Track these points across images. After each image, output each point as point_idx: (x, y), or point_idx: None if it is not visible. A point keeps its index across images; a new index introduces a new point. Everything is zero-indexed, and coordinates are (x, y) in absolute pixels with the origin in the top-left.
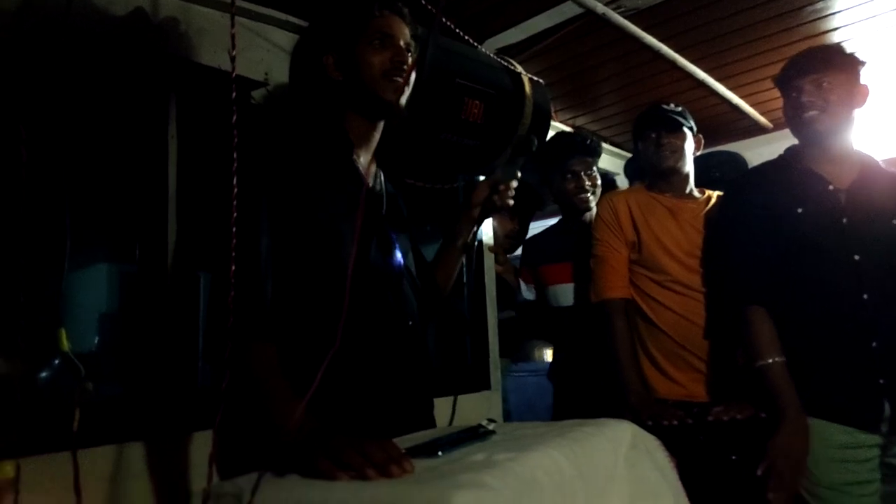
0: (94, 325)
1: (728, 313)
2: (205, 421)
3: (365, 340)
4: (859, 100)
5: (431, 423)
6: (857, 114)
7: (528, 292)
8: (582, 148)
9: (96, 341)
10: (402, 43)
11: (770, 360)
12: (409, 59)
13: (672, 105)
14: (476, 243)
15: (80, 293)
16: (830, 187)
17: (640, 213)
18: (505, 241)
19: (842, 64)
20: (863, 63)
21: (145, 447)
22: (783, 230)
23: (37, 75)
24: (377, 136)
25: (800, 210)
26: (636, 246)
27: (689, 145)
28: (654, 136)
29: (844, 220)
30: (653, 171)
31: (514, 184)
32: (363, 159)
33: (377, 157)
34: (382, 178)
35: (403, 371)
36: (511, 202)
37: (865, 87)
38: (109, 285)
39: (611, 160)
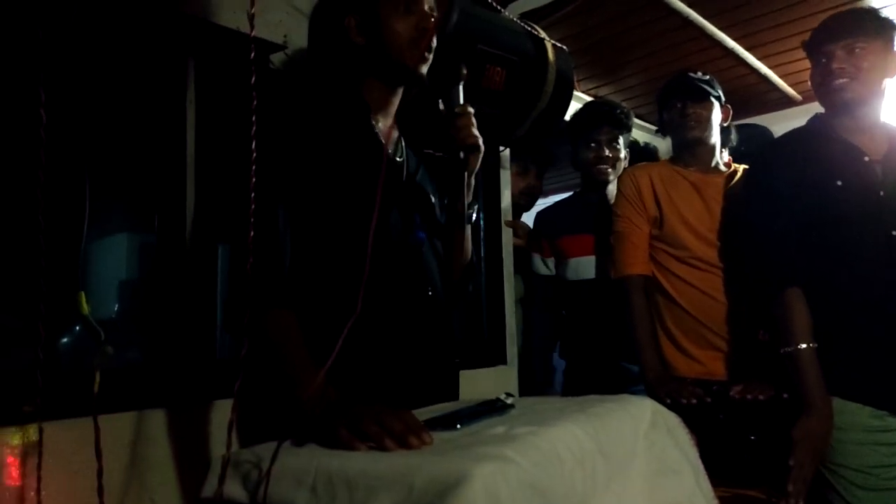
0: (113, 292)
1: (761, 294)
2: (224, 390)
3: (384, 309)
4: (893, 68)
5: (455, 395)
6: (889, 83)
7: (543, 266)
8: (609, 118)
9: (116, 308)
10: (426, 7)
11: (803, 346)
12: (435, 23)
13: (699, 73)
14: (473, 211)
15: (98, 261)
16: (866, 158)
17: (662, 187)
18: (521, 198)
19: (876, 29)
20: None
21: (165, 414)
22: (820, 203)
23: (54, 37)
24: (396, 101)
25: (839, 182)
26: (658, 221)
27: (716, 116)
28: (679, 105)
29: (882, 193)
30: (678, 142)
31: (470, 110)
32: (382, 124)
33: (398, 123)
34: (404, 145)
35: (423, 340)
36: (475, 133)
37: None
38: (128, 253)
39: (634, 132)
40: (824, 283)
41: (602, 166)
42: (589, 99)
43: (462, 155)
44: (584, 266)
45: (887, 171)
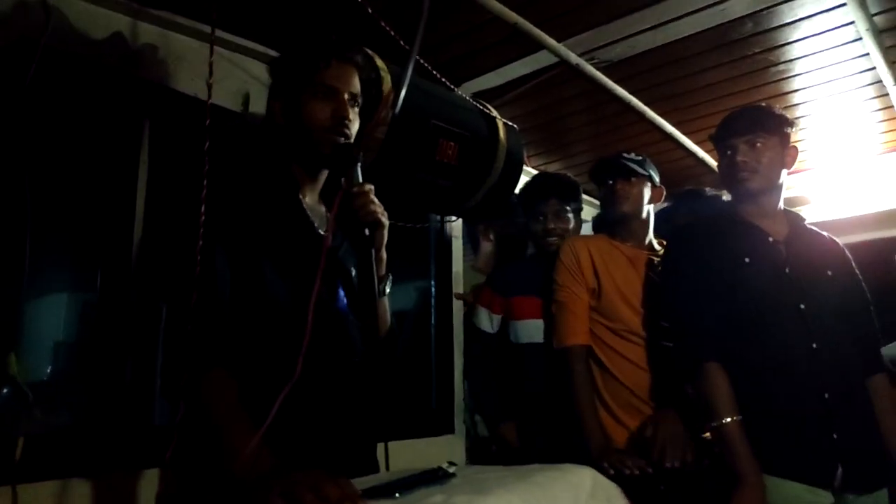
0: (48, 352)
1: (682, 369)
2: (156, 458)
3: (311, 377)
4: (789, 161)
5: (374, 465)
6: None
7: (487, 321)
8: (556, 190)
9: (49, 370)
10: (346, 96)
11: (727, 420)
12: (354, 111)
13: (633, 154)
14: (385, 285)
15: (36, 319)
16: (770, 239)
17: (601, 259)
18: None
19: (774, 126)
20: (793, 125)
21: (91, 484)
22: (731, 280)
23: (7, 94)
24: (322, 178)
25: (747, 259)
26: (596, 293)
27: (646, 193)
28: (609, 182)
29: (787, 270)
30: (611, 217)
31: (370, 187)
32: (309, 199)
33: (324, 199)
34: (328, 217)
35: (347, 409)
36: (375, 209)
37: (795, 148)
38: (68, 312)
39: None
40: (742, 358)
41: (550, 238)
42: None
43: (367, 231)
44: (533, 328)
45: (790, 250)
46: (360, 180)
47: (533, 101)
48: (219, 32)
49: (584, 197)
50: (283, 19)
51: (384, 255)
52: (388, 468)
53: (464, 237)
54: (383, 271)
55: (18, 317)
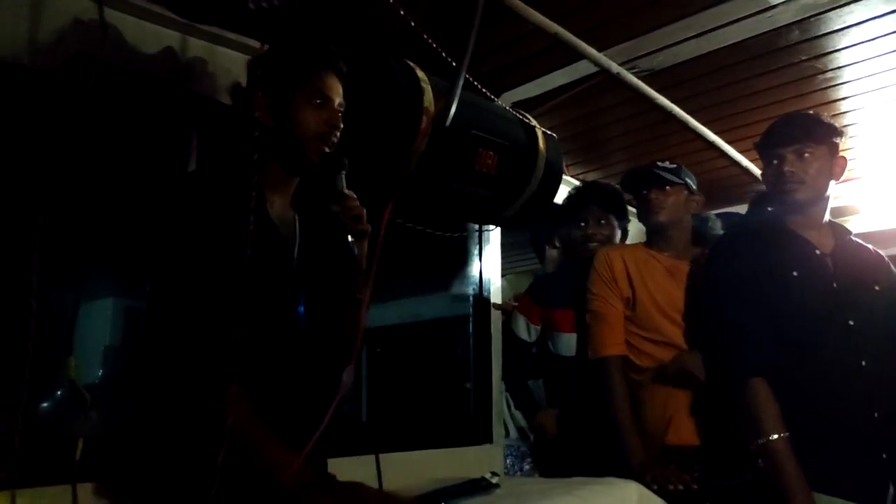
0: (98, 357)
1: (727, 385)
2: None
3: (269, 387)
4: (837, 172)
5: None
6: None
7: (525, 330)
8: (596, 197)
9: (100, 374)
10: (337, 104)
11: (774, 437)
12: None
13: (666, 162)
14: (362, 295)
15: (88, 324)
16: (818, 252)
17: (636, 269)
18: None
19: (823, 135)
20: (841, 134)
21: (145, 486)
22: (778, 293)
23: (68, 107)
24: (294, 184)
25: (795, 273)
26: (630, 302)
27: (681, 201)
28: (643, 192)
29: (835, 285)
30: (648, 228)
31: (353, 195)
32: (277, 206)
33: (294, 204)
34: (298, 226)
35: (301, 413)
36: (360, 216)
37: (843, 159)
38: (116, 319)
39: None
40: (789, 374)
41: (590, 244)
42: (577, 183)
43: (350, 239)
44: (567, 342)
45: (837, 263)
46: (345, 188)
47: (573, 111)
48: (265, 47)
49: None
50: (327, 32)
51: (364, 264)
52: (380, 483)
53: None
54: (363, 281)
55: (75, 321)
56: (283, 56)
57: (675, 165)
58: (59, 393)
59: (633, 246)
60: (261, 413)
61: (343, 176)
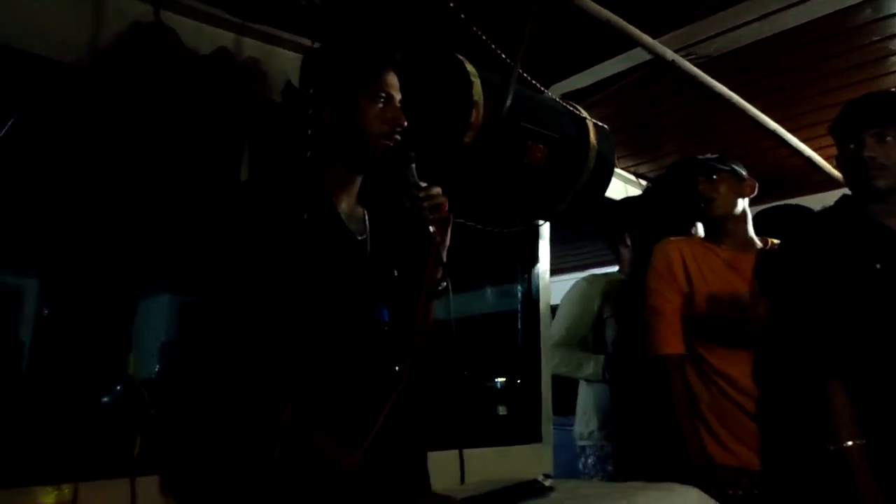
0: (156, 353)
1: (802, 386)
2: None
3: (351, 387)
4: None
5: (423, 477)
6: None
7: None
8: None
9: (157, 370)
10: (398, 101)
11: (849, 443)
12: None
13: (708, 154)
14: (441, 287)
15: (145, 321)
16: None
17: (694, 263)
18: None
19: None
20: None
21: (201, 480)
22: (859, 288)
23: (127, 109)
24: (359, 181)
25: (878, 265)
26: (689, 298)
27: (732, 189)
28: (690, 186)
29: None
30: (703, 221)
31: (437, 190)
32: (345, 204)
33: (361, 201)
34: (368, 222)
35: (389, 417)
36: (442, 201)
37: None
38: (172, 315)
39: None
40: (868, 375)
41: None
42: (629, 176)
43: (431, 229)
44: None
45: None
46: (417, 179)
47: (625, 101)
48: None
49: None
50: (378, 27)
51: (444, 255)
52: (462, 478)
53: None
54: (440, 274)
55: (134, 319)
56: (342, 54)
57: (716, 154)
58: (118, 389)
59: (691, 238)
60: (336, 407)
61: (413, 168)
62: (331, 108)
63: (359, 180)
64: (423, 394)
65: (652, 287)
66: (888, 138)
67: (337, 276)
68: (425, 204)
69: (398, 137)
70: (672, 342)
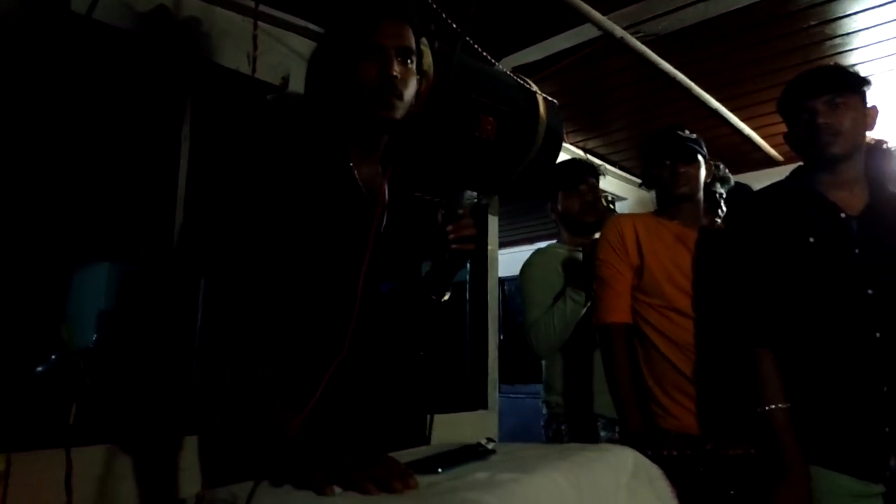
0: (92, 322)
1: (735, 352)
2: (196, 426)
3: (356, 352)
4: (871, 122)
5: (424, 439)
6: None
7: None
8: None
9: (94, 339)
10: (394, 53)
11: (773, 406)
12: (406, 67)
13: (686, 132)
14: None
15: (82, 290)
16: (842, 215)
17: (646, 236)
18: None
19: (854, 83)
20: (870, 83)
21: (137, 449)
22: (792, 262)
23: (52, 66)
24: (379, 146)
25: (811, 239)
26: (639, 270)
27: (703, 174)
28: (668, 163)
29: (857, 251)
30: (665, 197)
31: (470, 221)
32: (365, 170)
33: (383, 168)
34: (386, 192)
35: (394, 382)
36: (468, 243)
37: (875, 108)
38: (110, 284)
39: (619, 185)
40: (800, 345)
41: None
42: (578, 151)
43: (448, 257)
44: None
45: (864, 227)
46: (461, 208)
47: (574, 77)
48: (262, 7)
49: (620, 173)
50: None
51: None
52: (429, 441)
53: None
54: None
55: (68, 288)
56: (340, 21)
57: (695, 135)
58: (51, 358)
59: (645, 214)
60: (349, 383)
61: (463, 196)
62: (334, 74)
63: (378, 148)
64: (384, 365)
65: (602, 258)
66: (839, 104)
67: (341, 233)
68: (453, 235)
69: (397, 91)
70: (617, 311)
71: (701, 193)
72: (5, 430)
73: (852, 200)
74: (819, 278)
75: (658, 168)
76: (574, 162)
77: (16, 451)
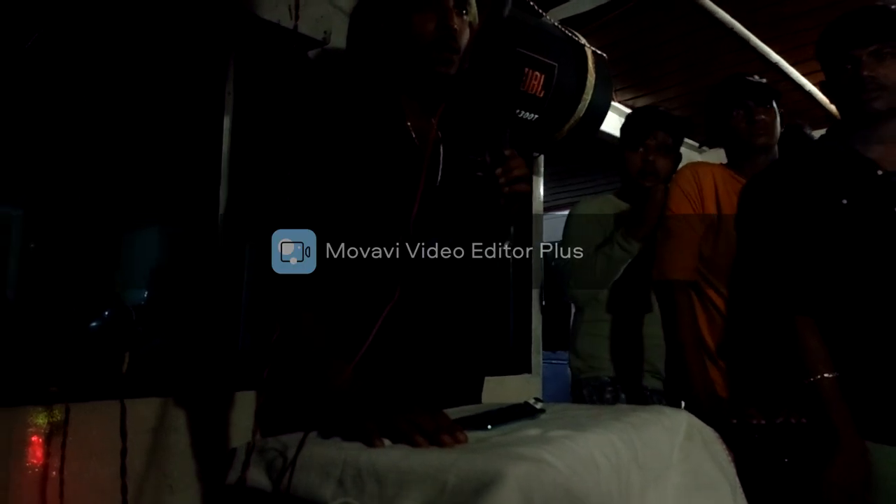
0: (143, 280)
1: (773, 322)
2: (246, 381)
3: (410, 302)
4: None
5: (477, 399)
6: None
7: None
8: (661, 122)
9: (145, 296)
10: (452, 3)
11: (820, 377)
12: (462, 19)
13: (755, 76)
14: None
15: (132, 249)
16: (879, 172)
17: (724, 190)
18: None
19: None
20: None
21: (188, 402)
22: (826, 224)
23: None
24: (434, 101)
25: (844, 201)
26: (714, 227)
27: (779, 125)
28: (742, 111)
29: None
30: (739, 149)
31: (520, 161)
32: (417, 121)
33: (440, 125)
34: (442, 149)
35: (449, 340)
36: (524, 175)
37: None
38: (161, 244)
39: None
40: (840, 312)
41: (648, 174)
42: (626, 109)
43: (502, 201)
44: None
45: None
46: (507, 146)
47: (623, 29)
48: None
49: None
50: None
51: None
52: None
53: None
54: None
55: (119, 245)
56: None
57: (765, 80)
58: (105, 312)
59: (719, 165)
60: (403, 333)
61: (508, 134)
62: (386, 28)
63: (434, 101)
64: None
65: (673, 209)
66: (887, 54)
67: (394, 182)
68: (503, 178)
69: (454, 44)
70: (685, 268)
71: (777, 148)
72: (63, 383)
73: (891, 155)
74: (856, 241)
75: (731, 117)
76: (644, 111)
77: (73, 401)
